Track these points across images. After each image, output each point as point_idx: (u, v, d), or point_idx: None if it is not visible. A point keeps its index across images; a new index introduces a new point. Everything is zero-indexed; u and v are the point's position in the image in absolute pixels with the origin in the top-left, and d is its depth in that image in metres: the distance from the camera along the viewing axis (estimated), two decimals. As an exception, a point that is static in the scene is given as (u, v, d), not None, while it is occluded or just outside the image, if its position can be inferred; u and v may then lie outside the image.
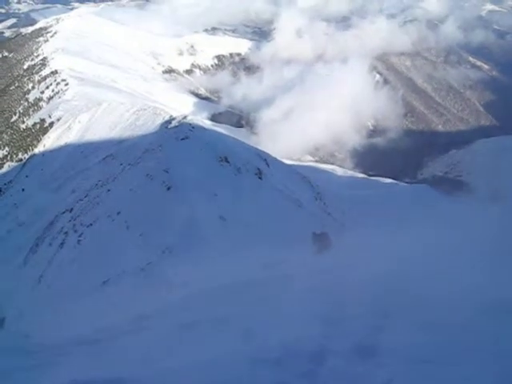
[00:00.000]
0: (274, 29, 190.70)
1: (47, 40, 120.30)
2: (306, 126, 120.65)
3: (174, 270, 15.42)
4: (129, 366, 4.73)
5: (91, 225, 29.35)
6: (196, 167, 30.15)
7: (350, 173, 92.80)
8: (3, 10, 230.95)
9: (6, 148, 76.14)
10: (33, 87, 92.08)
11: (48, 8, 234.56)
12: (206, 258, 16.45)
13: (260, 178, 31.83)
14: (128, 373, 3.98)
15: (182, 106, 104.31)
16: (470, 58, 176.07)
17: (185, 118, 40.22)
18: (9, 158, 74.11)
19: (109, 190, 32.52)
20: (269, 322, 5.74)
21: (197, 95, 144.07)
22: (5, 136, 79.02)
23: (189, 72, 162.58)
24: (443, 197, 69.70)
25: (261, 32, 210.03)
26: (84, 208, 32.74)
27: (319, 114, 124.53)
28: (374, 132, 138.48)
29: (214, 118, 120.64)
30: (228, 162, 31.26)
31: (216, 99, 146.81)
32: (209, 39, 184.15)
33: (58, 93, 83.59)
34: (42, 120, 76.11)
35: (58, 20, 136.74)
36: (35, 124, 77.16)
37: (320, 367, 4.10)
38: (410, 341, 4.22)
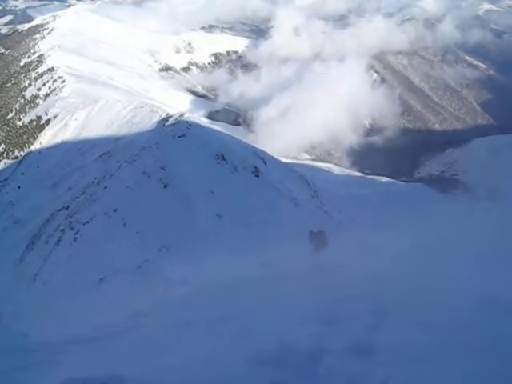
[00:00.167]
0: (272, 27, 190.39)
1: (44, 37, 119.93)
2: (302, 125, 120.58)
3: (171, 268, 15.41)
4: (126, 364, 4.73)
5: (88, 222, 29.31)
6: (193, 165, 30.13)
7: (347, 171, 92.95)
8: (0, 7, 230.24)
9: (2, 145, 75.89)
10: (29, 84, 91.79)
11: (45, 5, 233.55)
12: (202, 255, 16.43)
13: (257, 176, 31.82)
14: (126, 370, 3.98)
15: (178, 104, 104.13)
16: (467, 57, 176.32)
17: (182, 115, 40.18)
18: (5, 155, 73.87)
19: (105, 188, 32.48)
20: (266, 321, 5.74)
21: (194, 93, 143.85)
22: (1, 133, 78.78)
23: (186, 70, 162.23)
24: (440, 196, 69.94)
25: (258, 30, 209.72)
26: (80, 205, 32.68)
27: (316, 112, 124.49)
28: (371, 131, 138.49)
29: (210, 116, 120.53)
30: (225, 159, 31.24)
31: (213, 97, 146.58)
32: (206, 37, 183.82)
33: (54, 90, 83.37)
34: (39, 117, 75.90)
35: (54, 17, 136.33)
36: (31, 121, 76.96)
37: (317, 366, 4.11)
38: (408, 340, 4.23)
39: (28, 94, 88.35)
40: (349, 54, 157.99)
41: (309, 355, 4.28)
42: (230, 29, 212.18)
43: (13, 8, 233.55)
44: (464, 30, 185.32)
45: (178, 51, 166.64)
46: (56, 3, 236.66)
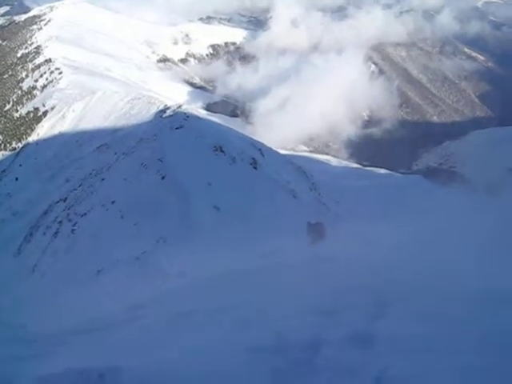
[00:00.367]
0: (270, 18, 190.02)
1: (41, 28, 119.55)
2: (300, 116, 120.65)
3: (169, 260, 15.42)
4: (124, 355, 4.73)
5: (85, 214, 29.32)
6: (190, 157, 30.11)
7: (345, 163, 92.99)
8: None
9: (0, 137, 75.72)
10: (26, 76, 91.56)
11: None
12: (200, 247, 16.44)
13: (255, 167, 31.81)
14: (124, 361, 3.98)
15: (176, 95, 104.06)
16: (466, 49, 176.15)
17: (179, 107, 40.11)
18: (2, 146, 73.80)
19: (103, 180, 32.45)
20: (265, 311, 5.75)
21: (191, 84, 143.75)
22: (-2, 125, 78.60)
23: (183, 61, 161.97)
24: (438, 188, 69.97)
25: (256, 21, 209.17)
26: (78, 197, 32.67)
27: (314, 104, 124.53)
28: (369, 122, 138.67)
29: (208, 108, 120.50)
30: (223, 151, 31.21)
31: (211, 88, 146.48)
32: (204, 28, 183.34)
33: (51, 81, 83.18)
34: (36, 109, 75.75)
35: (51, 8, 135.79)
36: (29, 113, 76.81)
37: (316, 356, 4.11)
38: (407, 330, 4.24)
39: (25, 85, 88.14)
40: (347, 45, 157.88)
41: (307, 345, 4.29)
42: (228, 20, 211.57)
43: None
44: (463, 22, 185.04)
45: (175, 42, 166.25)
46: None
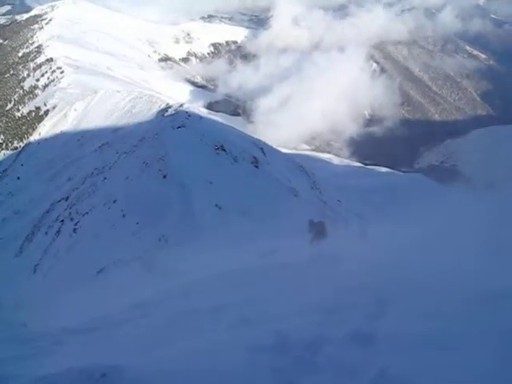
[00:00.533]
0: (271, 17, 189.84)
1: (42, 27, 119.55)
2: (302, 115, 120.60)
3: (171, 259, 15.43)
4: (126, 354, 4.74)
5: (87, 213, 29.33)
6: (192, 155, 30.10)
7: (346, 162, 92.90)
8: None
9: (2, 136, 75.85)
10: (28, 75, 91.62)
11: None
12: (202, 246, 16.46)
13: (256, 166, 31.80)
14: (126, 360, 3.99)
15: (178, 94, 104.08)
16: (467, 47, 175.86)
17: (181, 106, 40.13)
18: (4, 146, 73.90)
19: (105, 179, 32.47)
20: (266, 310, 5.76)
21: (193, 83, 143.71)
22: (0, 124, 78.66)
23: (185, 60, 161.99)
24: (439, 186, 69.88)
25: (257, 20, 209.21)
26: (80, 196, 32.70)
27: (316, 102, 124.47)
28: (371, 121, 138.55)
29: (210, 107, 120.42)
30: (224, 150, 31.21)
31: (212, 87, 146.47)
32: (205, 27, 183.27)
33: (53, 81, 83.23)
34: (38, 108, 75.86)
35: (52, 7, 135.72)
36: (30, 112, 76.91)
37: (316, 354, 4.12)
38: (408, 329, 4.24)
39: (27, 84, 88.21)
40: (348, 43, 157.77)
41: (308, 344, 4.29)
42: (230, 19, 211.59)
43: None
44: (464, 20, 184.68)
45: (177, 41, 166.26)
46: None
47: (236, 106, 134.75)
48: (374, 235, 10.89)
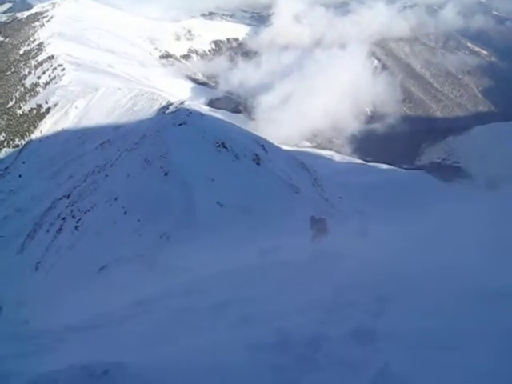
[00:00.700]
0: (272, 14, 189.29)
1: (43, 25, 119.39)
2: (303, 112, 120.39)
3: (172, 256, 15.45)
4: (128, 351, 4.75)
5: (89, 211, 29.37)
6: (193, 153, 30.11)
7: (348, 159, 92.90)
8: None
9: (3, 134, 75.79)
10: (29, 72, 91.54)
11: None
12: (203, 243, 16.46)
13: (258, 163, 31.81)
14: (128, 357, 3.99)
15: (179, 92, 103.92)
16: (469, 44, 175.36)
17: (182, 103, 40.12)
18: (5, 143, 73.82)
19: (106, 176, 32.50)
20: (267, 308, 5.76)
21: (194, 80, 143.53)
22: (1, 122, 78.66)
23: (186, 57, 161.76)
24: (441, 183, 69.87)
25: (259, 17, 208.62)
26: (81, 194, 32.73)
27: (317, 99, 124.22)
28: (372, 118, 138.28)
29: (211, 104, 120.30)
30: (225, 147, 31.20)
31: (213, 84, 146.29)
32: (206, 24, 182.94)
33: (54, 78, 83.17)
34: (39, 105, 75.80)
35: (53, 4, 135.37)
36: (32, 109, 76.86)
37: (317, 352, 4.12)
38: (408, 326, 4.25)
39: (28, 82, 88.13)
40: (350, 40, 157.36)
41: (309, 342, 4.30)
42: (231, 16, 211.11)
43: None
44: (466, 17, 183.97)
45: (178, 38, 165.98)
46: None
47: (237, 103, 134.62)
48: (375, 233, 10.88)
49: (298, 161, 41.28)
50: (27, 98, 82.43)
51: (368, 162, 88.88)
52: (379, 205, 39.25)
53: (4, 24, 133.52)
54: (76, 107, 59.07)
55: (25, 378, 3.81)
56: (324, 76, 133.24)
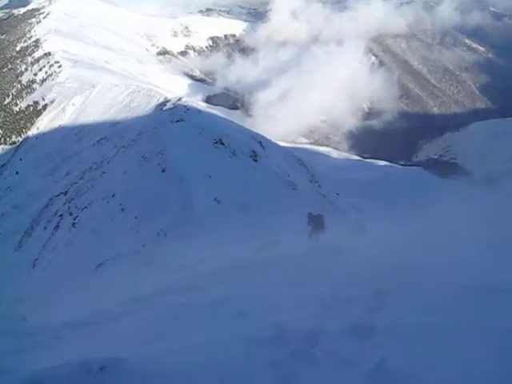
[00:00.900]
0: (269, 10, 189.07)
1: (40, 21, 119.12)
2: (301, 109, 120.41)
3: (170, 253, 15.46)
4: (126, 347, 4.76)
5: (86, 207, 29.35)
6: (191, 149, 30.09)
7: (345, 155, 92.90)
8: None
9: (0, 131, 75.67)
10: (26, 69, 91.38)
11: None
12: (201, 240, 16.48)
13: (255, 160, 31.80)
14: (125, 353, 4.00)
15: (176, 88, 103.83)
16: (466, 40, 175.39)
17: (179, 99, 40.08)
18: (2, 140, 73.77)
19: (103, 173, 32.47)
20: (263, 304, 5.78)
21: (191, 77, 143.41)
22: (-2, 119, 78.55)
23: (183, 53, 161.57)
24: (438, 180, 69.96)
25: (256, 13, 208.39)
26: (79, 191, 32.70)
27: (314, 96, 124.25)
28: (370, 114, 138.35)
29: (208, 100, 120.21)
30: (223, 144, 31.19)
31: (211, 81, 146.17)
32: (203, 20, 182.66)
33: (51, 75, 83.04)
34: (36, 102, 75.69)
35: (50, 1, 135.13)
36: (28, 106, 76.76)
37: (314, 347, 4.13)
38: (406, 321, 4.26)
39: (24, 79, 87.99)
40: (347, 37, 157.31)
41: (306, 336, 4.31)
42: (228, 12, 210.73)
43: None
44: (463, 13, 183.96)
45: (175, 35, 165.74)
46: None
47: (235, 100, 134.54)
48: (373, 229, 10.92)
49: (295, 157, 41.29)
50: (24, 95, 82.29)
51: (365, 158, 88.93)
52: (376, 201, 39.32)
53: (0, 20, 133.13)
54: (73, 104, 58.96)
55: (22, 374, 3.81)
56: (321, 72, 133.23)
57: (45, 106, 71.25)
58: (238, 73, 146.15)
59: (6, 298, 21.65)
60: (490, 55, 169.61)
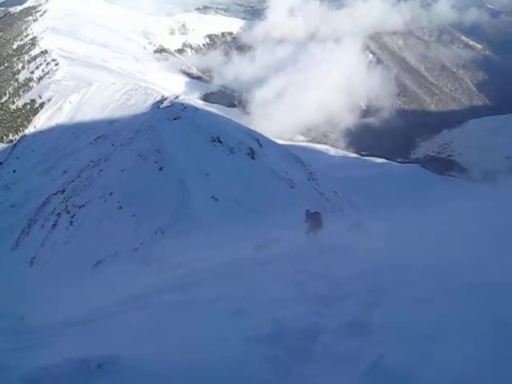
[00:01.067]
0: (267, 8, 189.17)
1: (36, 19, 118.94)
2: (298, 106, 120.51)
3: (167, 251, 15.46)
4: (123, 345, 4.76)
5: (83, 206, 29.34)
6: (188, 147, 30.09)
7: (343, 152, 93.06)
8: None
9: (-3, 129, 75.55)
10: (22, 67, 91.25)
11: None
12: (198, 238, 16.47)
13: (252, 157, 31.83)
14: (123, 351, 4.00)
15: (173, 86, 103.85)
16: (463, 38, 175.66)
17: (176, 97, 40.05)
18: (-1, 139, 73.58)
19: (101, 171, 32.45)
20: (261, 301, 5.78)
21: (188, 75, 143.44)
22: (-5, 117, 78.40)
23: (180, 51, 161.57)
24: (435, 176, 70.10)
25: (253, 11, 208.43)
26: (76, 189, 32.69)
27: (312, 93, 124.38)
28: (367, 112, 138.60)
29: (206, 98, 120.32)
30: (220, 141, 31.20)
31: (208, 79, 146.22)
32: (200, 18, 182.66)
33: (48, 73, 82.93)
34: (33, 101, 75.63)
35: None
36: (25, 105, 76.69)
37: (312, 344, 4.14)
38: (404, 317, 4.27)
39: (21, 77, 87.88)
40: (344, 34, 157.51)
41: (304, 333, 4.32)
42: (225, 10, 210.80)
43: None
44: (460, 10, 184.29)
45: (172, 33, 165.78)
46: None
47: (232, 98, 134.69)
48: (370, 226, 10.92)
49: (292, 155, 41.32)
50: (21, 93, 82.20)
51: (363, 155, 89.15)
52: (374, 198, 39.32)
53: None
54: (70, 102, 58.88)
55: (21, 372, 3.82)
56: (318, 70, 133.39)
57: (42, 104, 71.17)
58: (235, 70, 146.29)
59: (3, 296, 21.62)
60: (486, 52, 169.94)
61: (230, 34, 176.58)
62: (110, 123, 44.27)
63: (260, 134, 40.35)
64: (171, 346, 4.48)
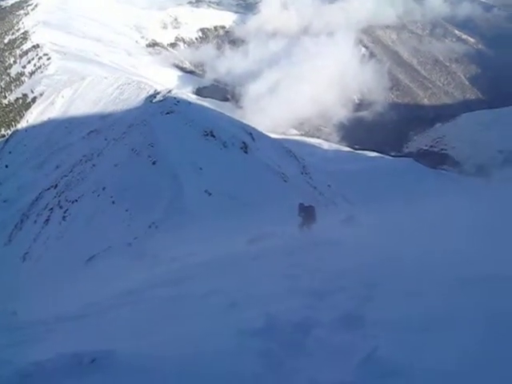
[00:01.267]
0: (260, 1, 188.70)
1: (28, 13, 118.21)
2: (291, 100, 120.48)
3: (161, 245, 15.45)
4: (117, 339, 4.76)
5: (76, 201, 29.27)
6: (181, 141, 30.05)
7: (336, 146, 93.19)
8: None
9: (-12, 124, 75.14)
10: (14, 62, 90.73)
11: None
12: (192, 232, 16.47)
13: (245, 152, 31.81)
14: (116, 346, 4.00)
15: (166, 80, 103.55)
16: (456, 32, 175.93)
17: (169, 92, 39.94)
18: (-9, 133, 73.19)
19: (94, 166, 32.36)
20: (254, 295, 5.79)
21: (181, 69, 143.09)
22: (-13, 112, 77.99)
23: (173, 45, 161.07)
24: (428, 170, 70.36)
25: (246, 5, 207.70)
26: (69, 184, 32.59)
27: (305, 87, 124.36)
28: (360, 106, 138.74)
29: (198, 92, 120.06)
30: (213, 136, 31.16)
31: (201, 73, 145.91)
32: (193, 12, 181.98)
33: (40, 67, 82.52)
34: (25, 95, 75.29)
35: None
36: (17, 99, 76.33)
37: (305, 337, 4.14)
38: (397, 311, 4.29)
39: (13, 71, 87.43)
40: (337, 28, 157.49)
41: (298, 327, 4.32)
42: (218, 3, 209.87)
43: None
44: (453, 4, 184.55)
45: (164, 27, 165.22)
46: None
47: (225, 92, 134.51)
48: (363, 219, 10.95)
49: (286, 149, 41.33)
50: (12, 88, 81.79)
51: (356, 149, 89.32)
52: (367, 192, 39.41)
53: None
54: (62, 96, 58.57)
55: (14, 367, 3.81)
56: (311, 64, 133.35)
57: (34, 99, 70.86)
58: (228, 64, 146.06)
59: (-4, 292, 21.56)
60: (479, 46, 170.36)
61: (223, 27, 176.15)
62: (103, 118, 44.12)
63: (253, 128, 40.33)
64: (165, 340, 4.48)
